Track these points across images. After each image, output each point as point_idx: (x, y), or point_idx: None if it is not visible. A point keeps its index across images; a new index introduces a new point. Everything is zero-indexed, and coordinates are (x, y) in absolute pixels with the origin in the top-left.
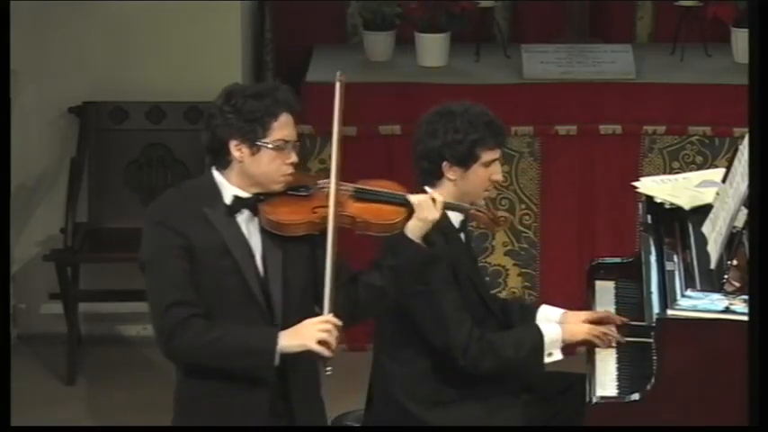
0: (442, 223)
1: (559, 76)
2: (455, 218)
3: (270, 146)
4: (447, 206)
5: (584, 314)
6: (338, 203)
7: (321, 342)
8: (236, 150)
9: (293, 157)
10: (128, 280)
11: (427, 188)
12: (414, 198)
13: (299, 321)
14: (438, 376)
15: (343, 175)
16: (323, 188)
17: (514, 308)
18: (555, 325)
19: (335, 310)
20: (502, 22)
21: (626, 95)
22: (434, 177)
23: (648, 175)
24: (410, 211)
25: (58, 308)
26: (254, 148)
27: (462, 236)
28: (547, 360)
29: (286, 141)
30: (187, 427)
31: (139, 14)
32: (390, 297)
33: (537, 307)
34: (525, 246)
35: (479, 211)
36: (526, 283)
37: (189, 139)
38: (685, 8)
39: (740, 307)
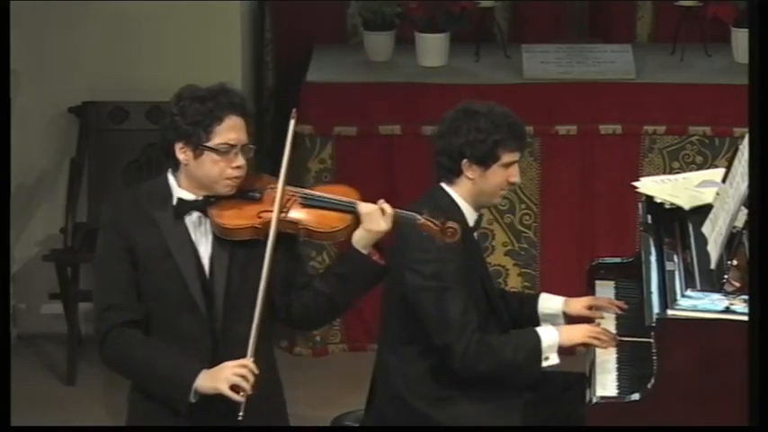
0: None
1: (559, 76)
2: (470, 216)
3: (213, 150)
4: (398, 216)
5: (585, 300)
6: (283, 208)
7: (234, 387)
8: (181, 153)
9: (239, 161)
10: None
11: (443, 185)
12: (363, 207)
13: (241, 329)
14: (440, 373)
15: (342, 174)
16: (272, 191)
17: (514, 299)
18: (552, 329)
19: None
20: (502, 22)
21: (626, 95)
22: (453, 174)
23: (648, 175)
24: (357, 219)
25: (58, 308)
26: (198, 152)
27: (475, 235)
28: (544, 364)
29: (231, 145)
30: (187, 428)
31: (139, 14)
32: (339, 305)
33: (537, 296)
34: (525, 246)
35: (428, 220)
36: (526, 283)
37: None
38: (685, 8)
39: (740, 307)
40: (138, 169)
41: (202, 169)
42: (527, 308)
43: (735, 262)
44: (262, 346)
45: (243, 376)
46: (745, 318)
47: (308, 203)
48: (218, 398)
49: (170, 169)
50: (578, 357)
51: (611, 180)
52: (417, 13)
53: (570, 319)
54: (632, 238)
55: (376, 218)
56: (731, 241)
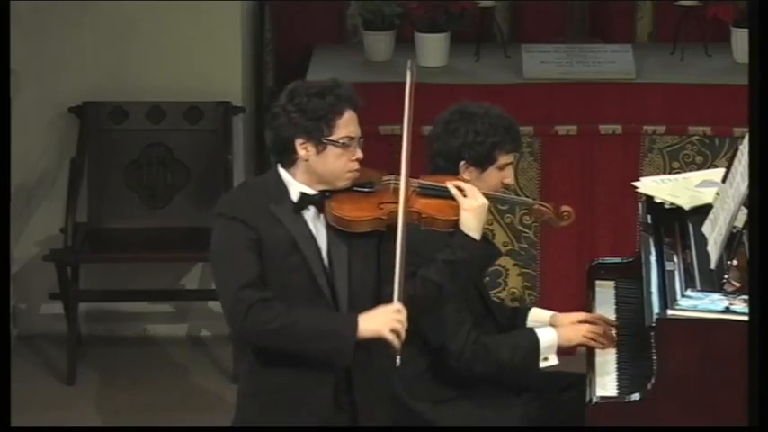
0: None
1: (559, 76)
2: None
3: (335, 143)
4: (511, 200)
5: (574, 316)
6: (398, 198)
7: (393, 330)
8: (302, 149)
9: (358, 154)
10: (128, 280)
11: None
12: (456, 194)
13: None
14: (439, 374)
15: None
16: (388, 184)
17: (509, 312)
18: (551, 329)
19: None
20: (502, 22)
21: (626, 95)
22: (449, 175)
23: (648, 175)
24: None
25: (58, 308)
26: (320, 147)
27: None
28: (542, 364)
29: (351, 138)
30: (189, 428)
31: (139, 14)
32: (446, 293)
33: (527, 309)
34: (525, 246)
35: (542, 206)
36: (526, 283)
37: (189, 139)
38: (685, 8)
39: (740, 307)
40: (137, 169)
41: (325, 164)
42: (518, 322)
43: (735, 262)
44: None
45: (400, 321)
46: (745, 318)
47: (425, 193)
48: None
49: (279, 165)
50: (578, 357)
51: (611, 180)
52: (417, 13)
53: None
54: (632, 238)
55: (470, 196)
56: (731, 241)
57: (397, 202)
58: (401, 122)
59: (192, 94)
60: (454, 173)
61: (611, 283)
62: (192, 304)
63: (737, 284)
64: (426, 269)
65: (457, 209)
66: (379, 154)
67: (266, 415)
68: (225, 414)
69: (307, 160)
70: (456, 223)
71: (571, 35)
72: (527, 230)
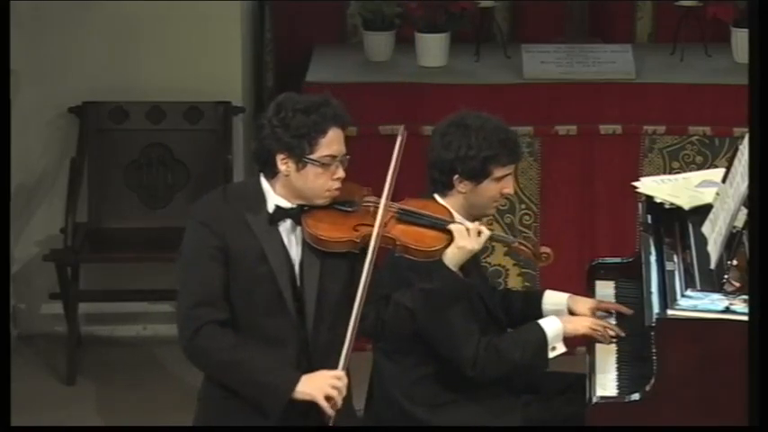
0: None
1: (559, 76)
2: None
3: (315, 162)
4: (493, 238)
5: (591, 302)
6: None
7: (328, 398)
8: (283, 164)
9: (340, 173)
10: (128, 280)
11: (437, 196)
12: (455, 226)
13: (329, 335)
14: (438, 379)
15: (348, 177)
16: (368, 205)
17: (518, 298)
18: (555, 319)
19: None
20: (502, 22)
21: (626, 95)
22: (445, 188)
23: (648, 175)
24: (451, 238)
25: (58, 308)
26: (301, 164)
27: None
28: (551, 354)
29: (333, 157)
30: (189, 428)
31: (139, 14)
32: (419, 320)
33: (541, 293)
34: None
35: (522, 245)
36: (526, 283)
37: (189, 139)
38: (685, 8)
39: (740, 307)
40: (137, 169)
41: (305, 181)
42: (532, 306)
43: (735, 262)
44: (335, 353)
45: (338, 389)
46: (745, 318)
47: (405, 219)
48: (307, 404)
49: (261, 174)
50: (578, 357)
51: (611, 180)
52: (417, 13)
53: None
54: (632, 238)
55: (472, 237)
56: (731, 241)
57: (372, 225)
58: (401, 122)
59: (192, 94)
60: (449, 185)
61: (611, 283)
62: None
63: (737, 284)
64: (401, 295)
65: (434, 239)
66: (379, 154)
67: (223, 418)
68: None
69: (287, 175)
70: (431, 254)
71: (571, 35)
72: (527, 230)
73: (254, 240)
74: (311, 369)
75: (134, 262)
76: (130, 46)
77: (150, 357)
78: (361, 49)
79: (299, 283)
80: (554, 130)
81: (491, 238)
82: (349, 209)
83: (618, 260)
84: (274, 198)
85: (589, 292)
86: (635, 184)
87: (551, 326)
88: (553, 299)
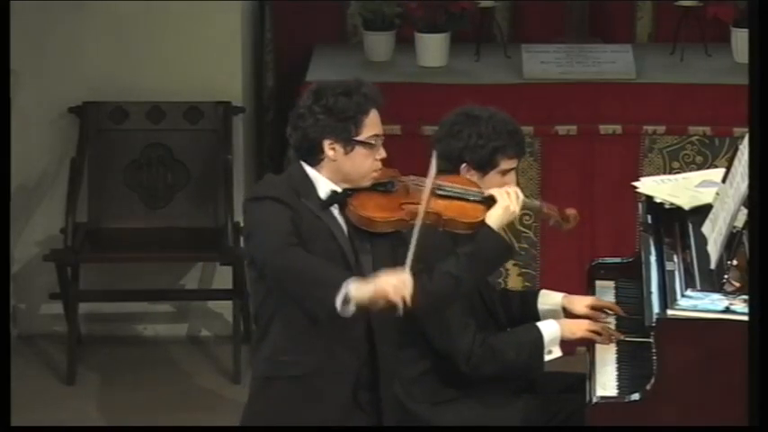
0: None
1: (559, 76)
2: None
3: (364, 143)
4: (525, 204)
5: (587, 299)
6: (422, 200)
7: (389, 293)
8: (330, 149)
9: (383, 153)
10: (128, 280)
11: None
12: (496, 190)
13: (387, 314)
14: (438, 377)
15: None
16: (407, 183)
17: (516, 298)
18: (554, 322)
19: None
20: (502, 22)
21: (626, 95)
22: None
23: (648, 175)
24: (488, 209)
25: (58, 308)
26: (348, 147)
27: None
28: (547, 358)
29: (378, 136)
30: (189, 428)
31: (139, 14)
32: (464, 286)
33: (537, 292)
34: (525, 246)
35: (551, 208)
36: (526, 283)
37: (189, 139)
38: (685, 8)
39: (740, 307)
40: (137, 169)
41: (353, 163)
42: (528, 305)
43: (735, 262)
44: (396, 332)
45: (402, 281)
46: (745, 318)
47: (444, 195)
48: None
49: (304, 162)
50: (578, 357)
51: (611, 180)
52: (417, 13)
53: (571, 316)
54: (632, 238)
55: (513, 199)
56: (731, 241)
57: (417, 203)
58: (401, 122)
59: (192, 94)
60: (455, 175)
61: (611, 283)
62: (192, 304)
63: (737, 284)
64: (445, 263)
65: (476, 210)
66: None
67: (280, 402)
68: (225, 414)
69: (335, 160)
70: (474, 225)
71: (571, 35)
72: (527, 230)
73: (318, 221)
74: (373, 348)
75: (134, 262)
76: (130, 46)
77: (150, 357)
78: (361, 49)
79: (354, 263)
80: (554, 130)
81: (523, 204)
82: (390, 188)
83: (618, 260)
84: (325, 183)
85: (589, 292)
86: (635, 184)
87: (549, 329)
88: (548, 299)
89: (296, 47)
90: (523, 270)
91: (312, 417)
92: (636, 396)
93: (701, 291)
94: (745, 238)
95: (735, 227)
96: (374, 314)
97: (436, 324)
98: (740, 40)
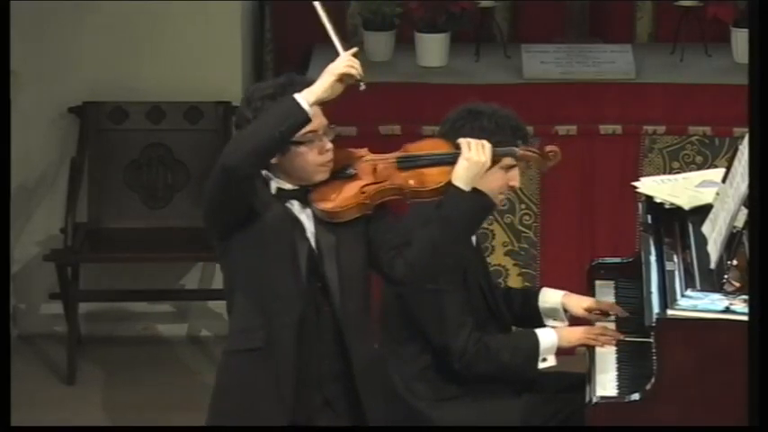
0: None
1: (559, 76)
2: None
3: (297, 143)
4: (495, 152)
5: (586, 300)
6: (382, 177)
7: (346, 73)
8: None
9: (327, 145)
10: (128, 280)
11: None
12: (461, 140)
13: (355, 304)
14: (439, 374)
15: None
16: (367, 164)
17: (518, 296)
18: (551, 331)
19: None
20: (502, 22)
21: (626, 95)
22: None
23: (648, 175)
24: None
25: (58, 308)
26: (285, 148)
27: (474, 239)
28: (541, 365)
29: (314, 132)
30: (189, 428)
31: (139, 14)
32: (442, 251)
33: (538, 290)
34: (525, 246)
35: (528, 150)
36: (526, 283)
37: (189, 139)
38: (685, 8)
39: (740, 307)
40: (137, 169)
41: (293, 164)
42: (530, 304)
43: (735, 262)
44: (369, 317)
45: (350, 64)
46: (745, 318)
47: (406, 165)
48: None
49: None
50: (578, 357)
51: (611, 180)
52: (417, 13)
53: (571, 320)
54: (632, 238)
55: (476, 149)
56: (731, 241)
57: (378, 182)
58: (401, 122)
59: (192, 94)
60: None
61: (611, 283)
62: (192, 304)
63: (737, 284)
64: (420, 230)
65: (440, 174)
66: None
67: (238, 375)
68: None
69: (277, 162)
70: (440, 191)
71: (571, 35)
72: (527, 230)
73: (272, 212)
74: (342, 341)
75: (134, 262)
76: (130, 46)
77: (150, 357)
78: (362, 49)
79: (317, 257)
80: (554, 130)
81: (494, 153)
82: (350, 173)
83: (618, 260)
84: (275, 182)
85: (589, 291)
86: (635, 184)
87: (546, 337)
88: (549, 297)
89: (296, 47)
90: (523, 270)
91: (267, 390)
92: (636, 396)
93: (701, 291)
94: (745, 238)
95: (735, 227)
96: (341, 312)
97: (433, 319)
98: (740, 40)
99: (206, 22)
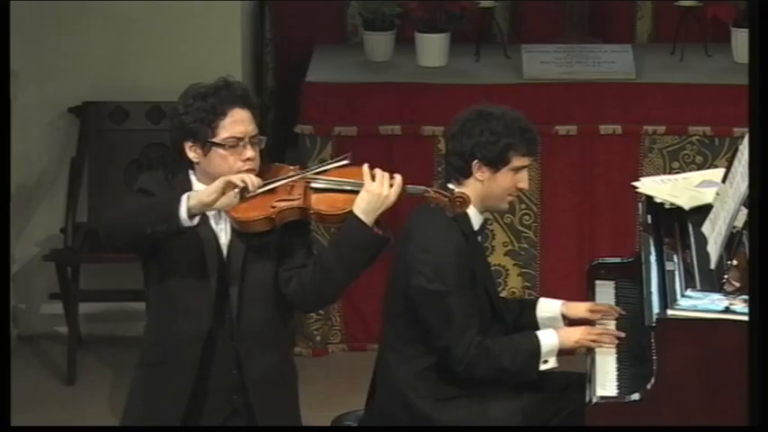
0: (463, 225)
1: (559, 76)
2: (476, 220)
3: (218, 145)
4: (407, 190)
5: (584, 306)
6: (295, 196)
7: (233, 183)
8: (191, 151)
9: (248, 153)
10: (128, 280)
11: (450, 185)
12: (366, 172)
13: (259, 314)
14: (441, 373)
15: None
16: (288, 182)
17: (514, 305)
18: (552, 332)
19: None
20: (502, 22)
21: (626, 95)
22: (463, 175)
23: (648, 175)
24: None
25: (58, 308)
26: (206, 149)
27: (480, 238)
28: (542, 367)
29: (238, 138)
30: (189, 428)
31: (139, 14)
32: (335, 278)
33: (536, 300)
34: (525, 246)
35: (437, 192)
36: (526, 283)
37: None
38: (685, 8)
39: (740, 307)
40: (137, 169)
41: (212, 165)
42: (526, 313)
43: (735, 262)
44: (278, 330)
45: (244, 180)
46: (745, 318)
47: (319, 188)
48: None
49: (189, 167)
50: (578, 357)
51: (611, 180)
52: (417, 13)
53: (570, 321)
54: (632, 238)
55: (379, 181)
56: (731, 241)
57: (289, 200)
58: (401, 122)
59: None
60: (467, 173)
61: (611, 283)
62: None
63: (737, 284)
64: (318, 255)
65: (346, 202)
66: (378, 154)
67: (137, 388)
68: None
69: (197, 162)
70: (342, 217)
71: (571, 35)
72: (527, 230)
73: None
74: (239, 351)
75: (134, 262)
76: (130, 46)
77: None
78: (361, 49)
79: (225, 265)
80: (554, 130)
81: (403, 190)
82: (269, 187)
83: (618, 260)
84: (197, 186)
85: (589, 291)
86: (635, 184)
87: (547, 339)
88: (547, 306)
89: (296, 47)
90: (523, 270)
91: (163, 405)
92: (636, 396)
93: (701, 291)
94: (745, 238)
95: (735, 227)
96: (239, 320)
97: (438, 320)
98: (740, 40)
99: (206, 22)
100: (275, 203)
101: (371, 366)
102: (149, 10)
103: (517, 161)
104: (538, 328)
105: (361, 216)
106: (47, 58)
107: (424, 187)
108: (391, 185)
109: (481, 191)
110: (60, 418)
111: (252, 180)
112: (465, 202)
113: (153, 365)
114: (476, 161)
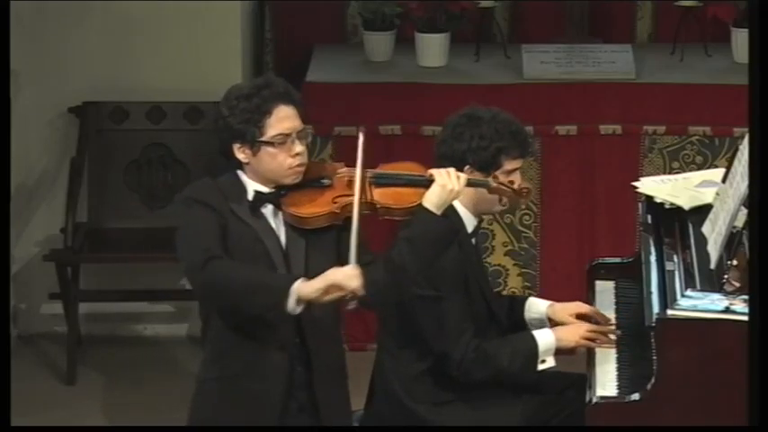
0: (456, 228)
1: (559, 76)
2: (469, 223)
3: (267, 143)
4: (470, 182)
5: (571, 306)
6: (353, 191)
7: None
8: (240, 153)
9: (297, 149)
10: (128, 280)
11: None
12: (434, 170)
13: (320, 313)
14: (438, 377)
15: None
16: (342, 176)
17: (505, 303)
18: (549, 332)
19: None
20: (502, 22)
21: (626, 95)
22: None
23: (648, 175)
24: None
25: (58, 308)
26: (255, 148)
27: (474, 241)
28: (540, 367)
29: (285, 135)
30: (188, 428)
31: (139, 14)
32: (410, 272)
33: (525, 299)
34: (525, 246)
35: (502, 185)
36: (526, 283)
37: (189, 139)
38: (685, 8)
39: (740, 307)
40: (137, 169)
41: (263, 164)
42: (516, 312)
43: (735, 262)
44: (337, 326)
45: (355, 274)
46: (745, 318)
47: (381, 183)
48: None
49: (238, 168)
50: (578, 357)
51: (611, 180)
52: (417, 13)
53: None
54: (632, 238)
55: (449, 177)
56: (731, 241)
57: (351, 195)
58: (401, 122)
59: (192, 94)
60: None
61: (611, 283)
62: (192, 304)
63: (737, 284)
64: (388, 251)
65: (413, 195)
66: (378, 154)
67: (212, 403)
68: None
69: (247, 162)
70: (411, 210)
71: (571, 35)
72: (527, 230)
73: (246, 227)
74: (305, 347)
75: (134, 262)
76: (130, 46)
77: (150, 357)
78: (361, 49)
79: (286, 265)
80: (554, 130)
81: (468, 182)
82: (325, 183)
83: (618, 260)
84: (252, 185)
85: (589, 291)
86: (635, 184)
87: (544, 339)
88: (535, 307)
89: (296, 47)
90: (523, 270)
91: (244, 418)
92: (636, 396)
93: (701, 291)
94: (745, 238)
95: (735, 227)
96: (303, 313)
97: (433, 325)
98: (740, 40)
99: (206, 22)
100: (337, 199)
101: (371, 366)
102: (149, 10)
103: (509, 164)
104: (526, 327)
105: (434, 210)
106: (47, 58)
107: (488, 180)
108: (458, 178)
109: (474, 195)
110: (60, 418)
111: (359, 287)
112: (530, 192)
113: (235, 378)
114: (467, 166)
